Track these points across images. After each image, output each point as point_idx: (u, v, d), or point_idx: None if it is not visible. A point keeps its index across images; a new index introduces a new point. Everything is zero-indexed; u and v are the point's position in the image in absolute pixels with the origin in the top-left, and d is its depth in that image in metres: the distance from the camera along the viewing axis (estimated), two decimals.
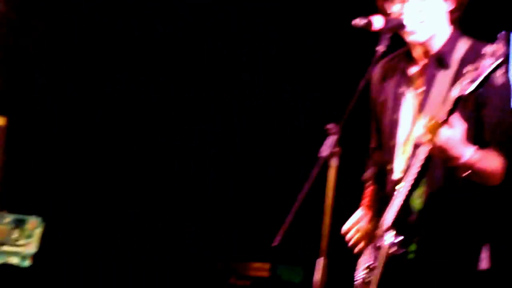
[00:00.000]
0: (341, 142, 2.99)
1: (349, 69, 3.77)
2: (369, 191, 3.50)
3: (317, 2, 6.26)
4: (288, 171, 5.99)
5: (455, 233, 3.17)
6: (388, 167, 3.31)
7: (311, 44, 6.30)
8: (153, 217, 6.34)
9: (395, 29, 3.19)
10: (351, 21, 3.16)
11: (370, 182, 3.52)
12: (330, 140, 2.97)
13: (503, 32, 2.79)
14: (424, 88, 3.24)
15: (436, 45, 3.24)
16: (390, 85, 3.36)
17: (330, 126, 2.99)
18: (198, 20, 6.39)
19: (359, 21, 3.15)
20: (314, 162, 2.98)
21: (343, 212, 3.39)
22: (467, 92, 2.84)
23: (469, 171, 3.01)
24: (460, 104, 2.90)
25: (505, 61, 2.80)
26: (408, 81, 3.31)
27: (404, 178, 3.12)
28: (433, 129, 2.93)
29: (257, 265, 5.93)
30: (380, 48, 3.13)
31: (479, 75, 2.80)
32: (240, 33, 6.36)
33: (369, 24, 3.15)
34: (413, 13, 3.19)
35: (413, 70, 3.31)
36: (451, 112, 2.91)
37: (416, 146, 3.12)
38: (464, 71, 2.87)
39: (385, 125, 3.35)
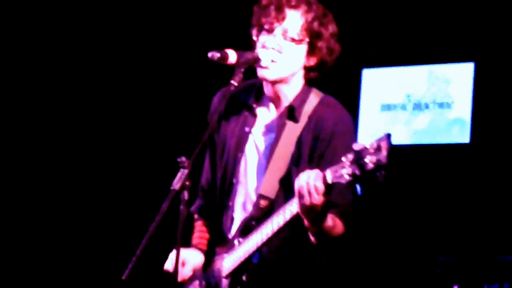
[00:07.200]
0: (191, 176, 2.97)
1: (201, 100, 3.73)
2: (199, 226, 3.49)
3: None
4: (139, 203, 5.94)
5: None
6: (228, 203, 3.32)
7: (166, 76, 6.29)
8: None
9: (250, 63, 3.20)
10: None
11: (197, 215, 3.49)
12: (181, 173, 2.93)
13: (386, 134, 2.75)
14: (272, 135, 3.27)
15: (287, 93, 3.27)
16: (235, 121, 3.35)
17: (182, 159, 2.96)
18: None
19: (214, 54, 3.15)
20: (165, 194, 2.95)
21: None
22: (343, 182, 2.83)
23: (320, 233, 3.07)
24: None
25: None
26: (255, 122, 3.32)
27: (257, 229, 3.14)
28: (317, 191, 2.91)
29: None
30: (234, 82, 3.14)
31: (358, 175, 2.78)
32: None
33: (224, 57, 3.15)
34: (271, 51, 3.20)
35: (261, 111, 3.33)
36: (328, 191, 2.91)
37: (261, 197, 3.19)
38: (343, 159, 2.83)
39: (227, 161, 3.34)
